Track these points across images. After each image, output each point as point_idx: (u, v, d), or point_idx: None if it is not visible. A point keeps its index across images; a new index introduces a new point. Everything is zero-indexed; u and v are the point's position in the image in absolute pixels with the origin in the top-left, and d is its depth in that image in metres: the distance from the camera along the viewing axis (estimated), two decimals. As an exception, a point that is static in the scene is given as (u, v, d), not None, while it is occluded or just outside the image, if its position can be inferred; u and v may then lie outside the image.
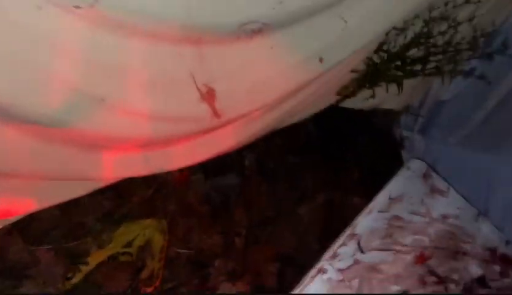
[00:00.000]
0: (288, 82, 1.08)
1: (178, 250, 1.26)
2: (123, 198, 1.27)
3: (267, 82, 1.06)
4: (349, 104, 1.55)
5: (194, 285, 1.25)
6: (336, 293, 0.85)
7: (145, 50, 0.84)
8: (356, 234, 1.00)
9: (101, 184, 1.13)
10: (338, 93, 1.45)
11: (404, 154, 1.72)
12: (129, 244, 1.20)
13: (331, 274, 0.89)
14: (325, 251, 1.47)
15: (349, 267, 0.92)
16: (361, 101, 1.54)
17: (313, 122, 1.69)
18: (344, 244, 0.96)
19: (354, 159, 1.69)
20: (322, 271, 0.89)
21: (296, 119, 1.43)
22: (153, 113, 0.96)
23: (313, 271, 0.89)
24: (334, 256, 0.93)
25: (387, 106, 1.69)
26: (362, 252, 0.97)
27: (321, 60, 1.08)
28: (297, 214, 1.55)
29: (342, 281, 0.89)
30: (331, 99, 1.48)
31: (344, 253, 0.95)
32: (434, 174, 1.32)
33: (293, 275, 1.42)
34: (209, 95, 1.02)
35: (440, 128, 1.56)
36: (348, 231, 1.00)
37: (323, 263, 0.91)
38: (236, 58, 0.96)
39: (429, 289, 0.99)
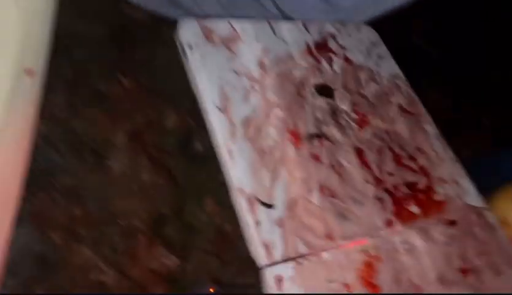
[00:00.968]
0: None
1: None
2: None
3: None
4: None
5: None
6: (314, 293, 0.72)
7: None
8: (243, 189, 0.79)
9: None
10: None
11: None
12: None
13: (287, 273, 0.72)
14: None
15: (286, 245, 0.75)
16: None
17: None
18: (257, 218, 0.76)
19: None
20: (279, 279, 0.72)
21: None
22: None
23: (270, 284, 0.71)
24: (267, 246, 0.75)
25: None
26: (270, 206, 0.80)
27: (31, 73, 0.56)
28: (107, 167, 1.18)
29: (297, 273, 0.73)
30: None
31: (267, 228, 0.75)
32: (207, 22, 1.02)
33: (178, 230, 1.20)
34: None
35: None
36: (235, 191, 0.78)
37: (272, 270, 0.72)
38: None
39: (325, 167, 0.90)
